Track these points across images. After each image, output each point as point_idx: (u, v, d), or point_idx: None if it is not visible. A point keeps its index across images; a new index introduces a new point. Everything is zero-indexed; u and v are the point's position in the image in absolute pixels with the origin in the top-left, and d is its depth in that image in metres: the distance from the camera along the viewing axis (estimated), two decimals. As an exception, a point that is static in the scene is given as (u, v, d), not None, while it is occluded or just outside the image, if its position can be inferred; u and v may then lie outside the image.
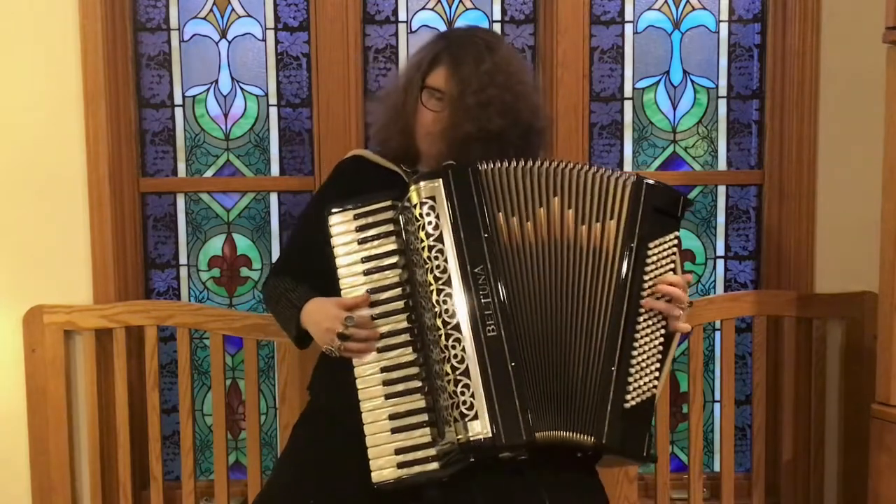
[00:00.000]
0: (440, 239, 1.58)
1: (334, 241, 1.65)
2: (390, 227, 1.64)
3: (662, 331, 1.64)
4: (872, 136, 2.07)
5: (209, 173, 2.48)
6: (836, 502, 2.43)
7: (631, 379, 1.60)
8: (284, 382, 2.35)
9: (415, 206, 1.60)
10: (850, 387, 2.39)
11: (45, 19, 2.29)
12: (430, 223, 1.59)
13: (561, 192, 1.64)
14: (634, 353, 1.61)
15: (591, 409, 1.59)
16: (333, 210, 1.66)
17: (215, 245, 2.51)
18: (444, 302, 1.56)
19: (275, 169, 2.48)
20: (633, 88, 2.47)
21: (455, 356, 1.55)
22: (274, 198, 2.48)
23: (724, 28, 2.46)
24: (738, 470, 2.48)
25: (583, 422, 1.59)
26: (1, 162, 2.33)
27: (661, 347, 1.64)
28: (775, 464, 2.45)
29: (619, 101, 2.47)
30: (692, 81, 2.48)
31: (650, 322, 1.63)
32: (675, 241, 1.67)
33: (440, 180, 1.61)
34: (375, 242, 1.64)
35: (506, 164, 1.64)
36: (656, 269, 1.64)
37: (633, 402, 1.60)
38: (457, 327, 1.56)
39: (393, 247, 1.63)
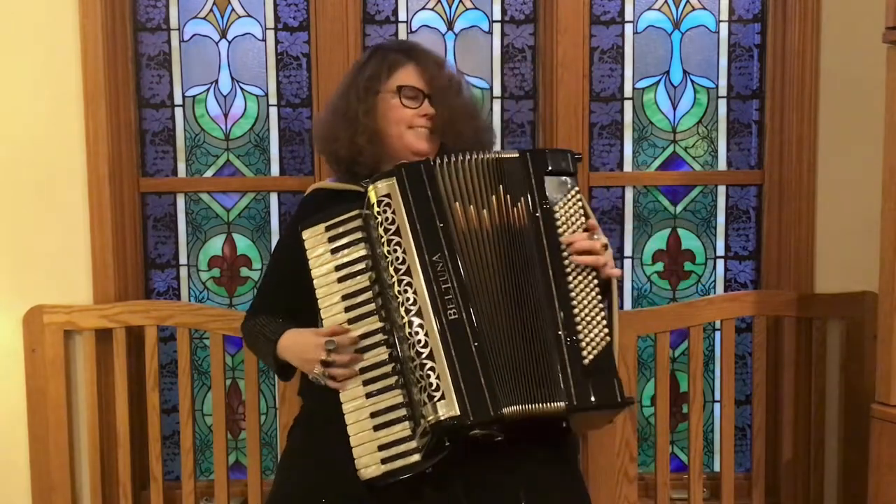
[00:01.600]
0: (397, 232, 1.65)
1: (309, 254, 1.72)
2: (359, 235, 1.70)
3: (596, 281, 1.69)
4: (872, 136, 2.07)
5: (209, 173, 2.48)
6: (836, 502, 2.43)
7: (581, 336, 1.64)
8: (284, 383, 2.35)
9: (373, 206, 1.67)
10: (850, 387, 2.39)
11: (45, 19, 2.29)
12: (387, 219, 1.66)
13: (503, 180, 1.72)
14: (575, 311, 1.65)
15: (555, 377, 1.62)
16: (305, 226, 1.73)
17: (215, 245, 2.51)
18: (405, 291, 1.62)
19: (275, 169, 2.48)
20: (633, 88, 2.47)
21: (419, 341, 1.60)
22: (274, 198, 2.49)
23: (724, 28, 2.46)
24: (738, 470, 2.48)
25: (550, 391, 1.62)
26: (1, 162, 2.33)
27: (599, 297, 1.69)
28: (775, 464, 2.45)
29: (619, 101, 2.47)
30: (692, 81, 2.48)
31: (580, 278, 1.68)
32: (577, 197, 1.73)
33: (394, 178, 1.68)
34: (346, 251, 1.70)
35: (461, 156, 1.72)
36: (567, 227, 1.70)
37: (591, 356, 1.64)
38: (419, 313, 1.61)
39: (363, 252, 1.69)
